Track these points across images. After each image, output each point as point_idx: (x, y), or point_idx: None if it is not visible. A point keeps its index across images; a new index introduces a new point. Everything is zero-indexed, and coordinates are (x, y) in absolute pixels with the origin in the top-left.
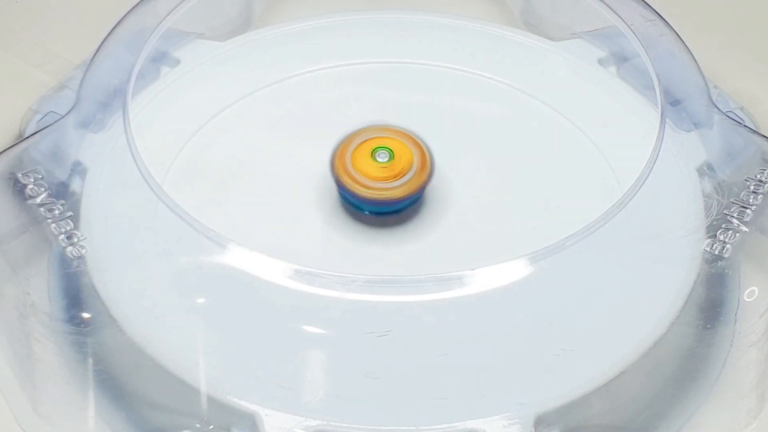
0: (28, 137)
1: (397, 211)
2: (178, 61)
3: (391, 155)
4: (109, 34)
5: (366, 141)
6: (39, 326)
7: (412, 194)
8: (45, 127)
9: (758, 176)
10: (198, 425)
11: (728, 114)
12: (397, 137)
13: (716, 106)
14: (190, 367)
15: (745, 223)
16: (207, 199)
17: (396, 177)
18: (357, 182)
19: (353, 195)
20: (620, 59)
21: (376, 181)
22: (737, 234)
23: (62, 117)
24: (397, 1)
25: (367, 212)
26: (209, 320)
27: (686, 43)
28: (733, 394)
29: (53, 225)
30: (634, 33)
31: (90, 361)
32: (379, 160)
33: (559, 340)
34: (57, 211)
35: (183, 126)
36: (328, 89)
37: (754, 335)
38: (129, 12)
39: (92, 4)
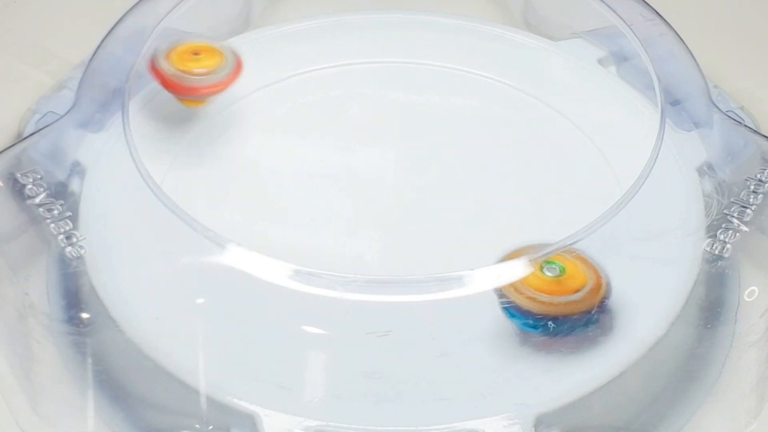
0: (27, 137)
1: None
2: None
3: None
4: (108, 34)
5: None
6: (38, 327)
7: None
8: (44, 127)
9: (758, 176)
10: (197, 426)
11: (728, 114)
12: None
13: (716, 106)
14: (189, 367)
15: (746, 223)
16: (206, 199)
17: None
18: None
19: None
20: (620, 59)
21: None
22: (737, 234)
23: (61, 117)
24: (397, 1)
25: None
26: (209, 320)
27: (686, 43)
28: (734, 394)
29: (52, 225)
30: (634, 33)
31: (89, 361)
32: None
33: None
34: (56, 211)
35: (182, 126)
36: (328, 89)
37: (755, 335)
38: (128, 12)
39: (91, 4)
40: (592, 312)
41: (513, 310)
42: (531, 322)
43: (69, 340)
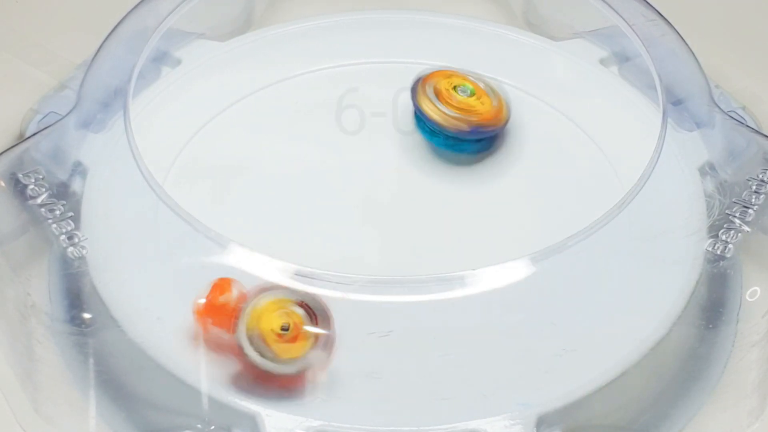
0: (28, 137)
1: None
2: (178, 61)
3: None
4: (110, 34)
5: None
6: (40, 327)
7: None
8: (46, 128)
9: (760, 176)
10: (199, 425)
11: (730, 113)
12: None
13: (718, 106)
14: (190, 367)
15: (747, 223)
16: (208, 199)
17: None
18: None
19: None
20: (622, 59)
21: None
22: (739, 234)
23: (63, 117)
24: (397, 0)
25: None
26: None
27: (688, 43)
28: (735, 394)
29: (54, 225)
30: (635, 33)
31: (91, 361)
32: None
33: (560, 340)
34: (58, 212)
35: (184, 126)
36: (328, 89)
37: (756, 335)
38: (130, 12)
39: (93, 4)
40: (499, 127)
41: (430, 128)
42: (444, 138)
43: (71, 340)
